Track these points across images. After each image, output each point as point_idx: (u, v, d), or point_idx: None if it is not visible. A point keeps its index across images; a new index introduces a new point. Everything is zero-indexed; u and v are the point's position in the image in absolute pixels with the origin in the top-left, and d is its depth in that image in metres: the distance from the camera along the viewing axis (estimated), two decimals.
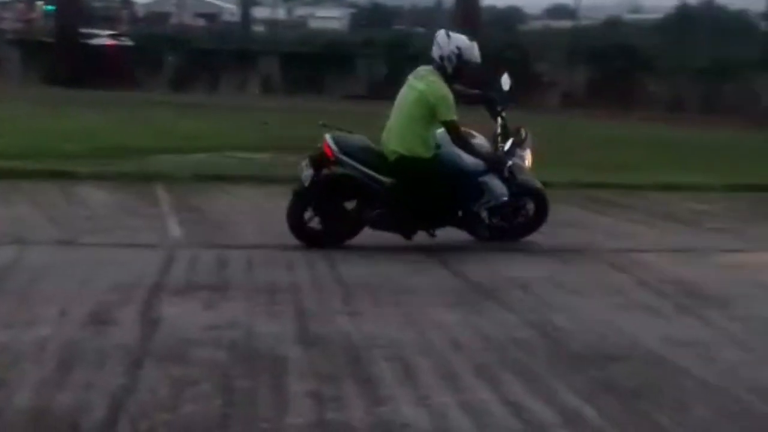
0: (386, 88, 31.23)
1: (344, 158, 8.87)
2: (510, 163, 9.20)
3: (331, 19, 55.06)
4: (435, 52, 9.00)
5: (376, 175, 8.91)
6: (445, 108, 8.79)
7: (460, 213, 9.18)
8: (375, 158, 8.95)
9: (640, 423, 4.90)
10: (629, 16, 34.92)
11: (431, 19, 39.59)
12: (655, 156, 16.38)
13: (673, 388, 5.43)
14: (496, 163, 9.14)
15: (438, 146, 9.02)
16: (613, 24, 33.80)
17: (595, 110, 23.23)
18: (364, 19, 47.33)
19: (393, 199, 8.94)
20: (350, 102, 27.64)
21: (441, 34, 9.10)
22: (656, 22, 29.39)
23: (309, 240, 8.94)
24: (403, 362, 5.69)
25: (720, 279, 8.25)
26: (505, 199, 9.22)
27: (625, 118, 22.53)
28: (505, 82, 9.46)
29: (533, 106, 24.74)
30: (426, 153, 8.93)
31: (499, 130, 9.39)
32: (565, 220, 10.62)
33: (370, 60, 31.75)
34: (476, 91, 9.46)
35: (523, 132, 9.47)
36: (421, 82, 8.92)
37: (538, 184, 9.59)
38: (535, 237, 9.51)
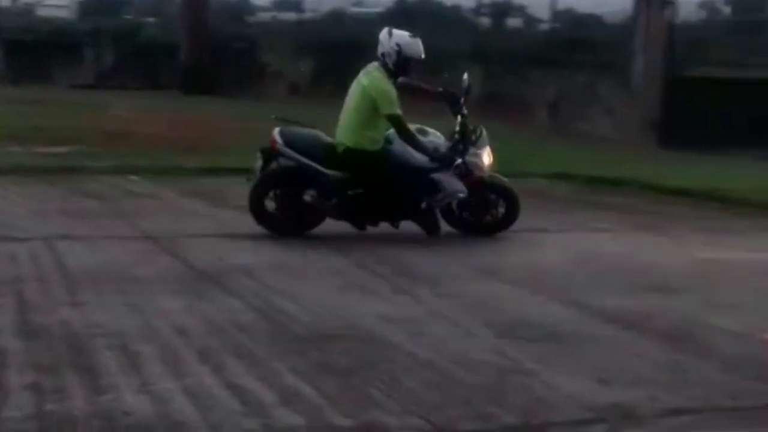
0: (114, 78, 30.70)
1: (288, 151, 9.13)
2: (459, 160, 9.28)
3: (60, 7, 53.17)
4: (378, 50, 9.24)
5: (319, 168, 9.10)
6: (385, 102, 9.01)
7: (423, 206, 9.34)
8: (323, 151, 9.17)
9: (354, 398, 5.06)
10: (353, 10, 35.55)
11: (161, 9, 39.00)
12: None
13: (386, 363, 5.64)
14: (442, 160, 9.24)
15: (390, 141, 9.23)
16: (337, 16, 34.32)
17: (321, 100, 23.51)
18: (92, 7, 46.01)
19: (341, 191, 9.08)
20: (79, 91, 26.91)
21: (383, 32, 9.32)
22: (378, 16, 30.06)
23: (270, 227, 9.21)
24: (127, 351, 5.66)
25: (431, 260, 8.59)
26: (462, 195, 9.35)
27: None
28: (465, 80, 9.54)
29: (261, 97, 24.87)
30: (371, 146, 9.13)
31: (457, 128, 9.44)
32: None
33: (98, 49, 30.98)
34: (438, 89, 9.67)
35: (478, 130, 9.56)
36: (366, 78, 9.17)
37: (506, 182, 9.77)
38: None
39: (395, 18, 26.51)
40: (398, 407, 4.95)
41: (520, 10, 31.49)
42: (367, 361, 5.67)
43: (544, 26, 26.64)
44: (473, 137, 9.50)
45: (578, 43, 22.77)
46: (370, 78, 9.18)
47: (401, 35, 9.28)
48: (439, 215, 9.52)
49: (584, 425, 4.87)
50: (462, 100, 9.46)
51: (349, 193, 9.13)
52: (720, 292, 7.81)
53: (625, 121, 19.00)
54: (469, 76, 9.65)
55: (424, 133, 9.42)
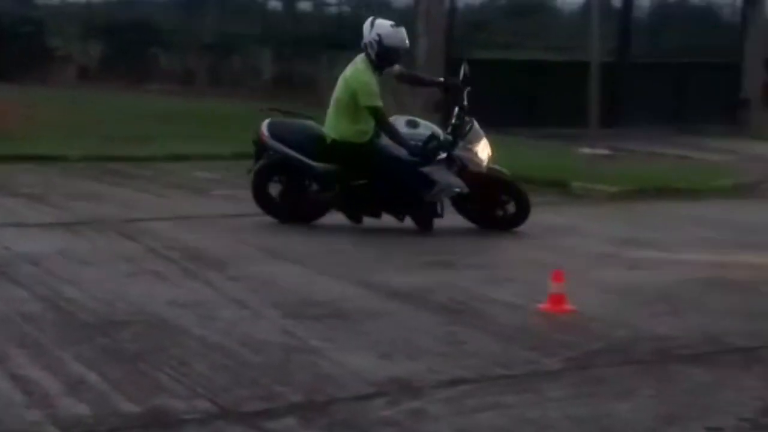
0: None
1: (275, 144, 8.98)
2: (443, 155, 8.94)
3: None
4: (362, 41, 8.97)
5: (306, 160, 8.94)
6: (364, 94, 8.77)
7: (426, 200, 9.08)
8: (314, 143, 9.00)
9: (142, 384, 5.02)
10: None
11: None
12: (168, 128, 16.53)
13: (175, 348, 5.60)
14: (424, 153, 8.89)
15: (378, 134, 8.98)
16: (127, 0, 33.55)
17: (111, 84, 23.02)
18: None
19: (332, 182, 8.90)
20: None
21: (366, 22, 9.01)
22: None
23: (276, 216, 9.19)
24: None
25: (222, 243, 8.57)
26: (458, 190, 9.04)
27: (140, 91, 22.50)
28: (463, 69, 9.22)
29: (48, 81, 24.08)
30: (358, 138, 8.90)
31: (453, 120, 9.14)
32: (80, 193, 10.54)
33: None
34: (440, 79, 9.58)
35: (469, 124, 9.15)
36: (350, 70, 8.94)
37: (507, 176, 9.43)
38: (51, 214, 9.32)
39: (184, 3, 26.18)
40: (186, 391, 4.94)
41: None
42: (156, 347, 5.62)
43: (333, 9, 26.84)
44: (464, 131, 9.12)
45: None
46: (352, 70, 8.94)
47: (382, 25, 8.97)
48: (442, 210, 9.21)
49: (366, 400, 4.96)
50: (465, 91, 9.17)
51: (351, 184, 8.97)
52: (498, 265, 8.09)
53: (409, 102, 19.32)
54: (465, 65, 9.29)
55: (414, 125, 9.14)
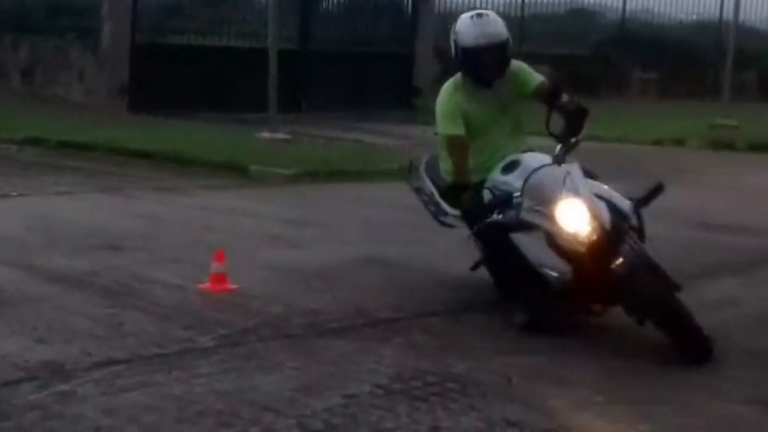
0: None
1: (420, 173, 7.06)
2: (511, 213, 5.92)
3: None
4: None
5: (436, 197, 6.82)
6: (439, 122, 6.47)
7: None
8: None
9: None
10: None
11: None
12: None
13: None
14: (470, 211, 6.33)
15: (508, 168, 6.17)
16: None
17: None
18: None
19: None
20: None
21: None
22: None
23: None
24: None
25: None
26: (555, 277, 5.87)
27: None
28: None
29: None
30: (448, 177, 6.56)
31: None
32: None
33: None
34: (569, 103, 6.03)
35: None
36: None
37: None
38: None
39: None
40: None
41: None
42: None
43: None
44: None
45: (56, 8, 22.10)
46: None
47: (462, 20, 6.43)
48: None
49: (14, 385, 4.85)
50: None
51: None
52: (165, 247, 8.06)
53: (96, 86, 18.85)
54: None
55: (510, 167, 6.15)
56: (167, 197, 10.60)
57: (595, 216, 5.64)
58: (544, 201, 5.74)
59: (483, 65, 6.31)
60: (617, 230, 5.68)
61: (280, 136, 14.89)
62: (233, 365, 5.30)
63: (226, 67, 18.92)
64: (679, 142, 17.44)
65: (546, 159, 6.00)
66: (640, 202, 5.93)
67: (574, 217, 5.64)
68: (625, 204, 5.87)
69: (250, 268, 7.30)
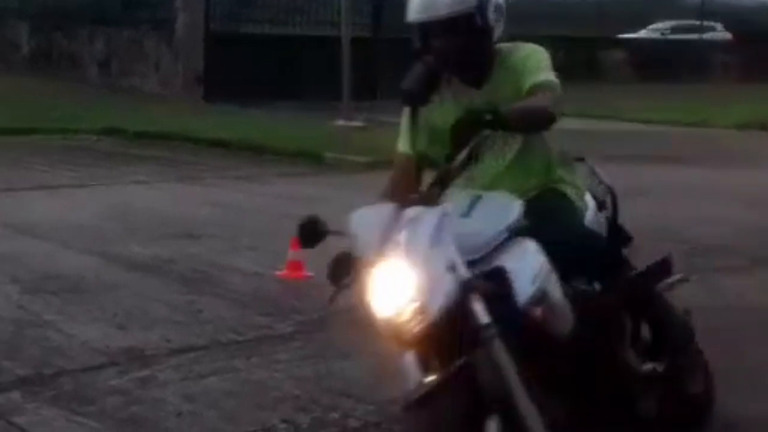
0: None
1: None
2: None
3: None
4: None
5: None
6: None
7: None
8: None
9: None
10: None
11: None
12: None
13: None
14: None
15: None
16: None
17: None
18: None
19: None
20: None
21: None
22: None
23: None
24: None
25: None
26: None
27: None
28: None
29: None
30: None
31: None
32: None
33: None
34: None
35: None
36: None
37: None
38: None
39: None
40: None
41: None
42: None
43: None
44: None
45: (130, 0, 22.44)
46: None
47: None
48: None
49: (95, 370, 4.93)
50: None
51: None
52: (242, 235, 8.12)
53: (171, 76, 19.10)
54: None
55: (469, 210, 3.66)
56: (244, 185, 10.68)
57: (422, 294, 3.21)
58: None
59: (436, 55, 3.73)
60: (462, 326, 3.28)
61: (354, 123, 14.92)
62: (311, 352, 5.31)
63: (300, 56, 19.02)
64: (764, 127, 17.07)
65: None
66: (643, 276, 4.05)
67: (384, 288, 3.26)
68: (524, 280, 3.39)
69: (327, 256, 7.28)
